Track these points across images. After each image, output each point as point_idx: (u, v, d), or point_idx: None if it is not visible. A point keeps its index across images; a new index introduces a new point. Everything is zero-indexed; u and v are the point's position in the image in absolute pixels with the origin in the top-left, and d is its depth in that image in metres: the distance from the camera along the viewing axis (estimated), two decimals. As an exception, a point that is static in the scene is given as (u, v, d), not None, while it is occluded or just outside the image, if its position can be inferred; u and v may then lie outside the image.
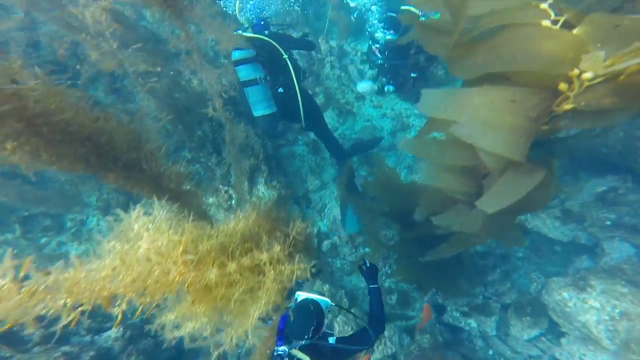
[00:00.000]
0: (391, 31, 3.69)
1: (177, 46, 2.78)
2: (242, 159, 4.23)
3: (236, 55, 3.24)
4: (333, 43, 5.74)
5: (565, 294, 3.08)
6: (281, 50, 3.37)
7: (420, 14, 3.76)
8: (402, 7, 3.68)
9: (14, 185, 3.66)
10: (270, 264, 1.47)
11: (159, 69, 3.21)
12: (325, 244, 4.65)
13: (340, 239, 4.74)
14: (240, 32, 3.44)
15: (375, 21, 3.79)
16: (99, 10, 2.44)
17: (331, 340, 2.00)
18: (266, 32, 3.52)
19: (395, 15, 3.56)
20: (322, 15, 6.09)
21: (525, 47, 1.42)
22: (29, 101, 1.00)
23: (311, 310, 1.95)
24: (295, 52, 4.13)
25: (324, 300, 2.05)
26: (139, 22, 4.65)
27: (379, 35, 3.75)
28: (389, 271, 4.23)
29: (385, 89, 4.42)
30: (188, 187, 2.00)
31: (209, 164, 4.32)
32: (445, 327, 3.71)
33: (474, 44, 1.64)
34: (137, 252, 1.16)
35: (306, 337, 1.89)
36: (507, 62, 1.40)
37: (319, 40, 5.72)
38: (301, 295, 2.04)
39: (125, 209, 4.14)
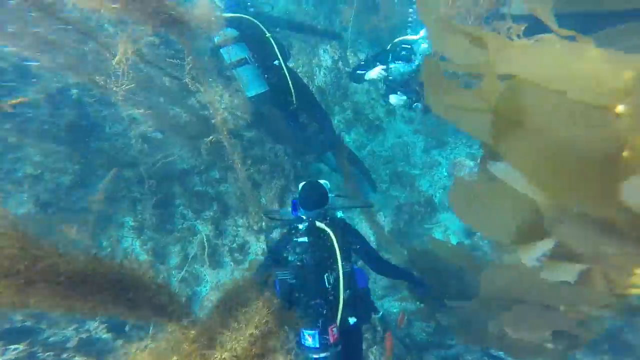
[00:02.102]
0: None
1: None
2: (273, 180, 4.17)
3: (220, 36, 3.17)
4: (361, 55, 5.57)
5: None
6: (264, 28, 3.30)
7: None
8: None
9: (50, 214, 3.77)
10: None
11: (146, 111, 3.19)
12: (355, 266, 4.52)
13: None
14: (220, 13, 3.31)
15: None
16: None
17: (339, 214, 2.45)
18: (248, 11, 3.45)
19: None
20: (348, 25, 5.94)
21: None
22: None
23: (315, 185, 2.36)
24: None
25: (325, 182, 2.46)
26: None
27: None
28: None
29: (414, 106, 4.25)
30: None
31: (239, 184, 4.28)
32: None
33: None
34: None
35: (316, 207, 2.25)
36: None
37: (347, 53, 5.57)
38: (303, 182, 2.44)
39: (159, 230, 4.10)
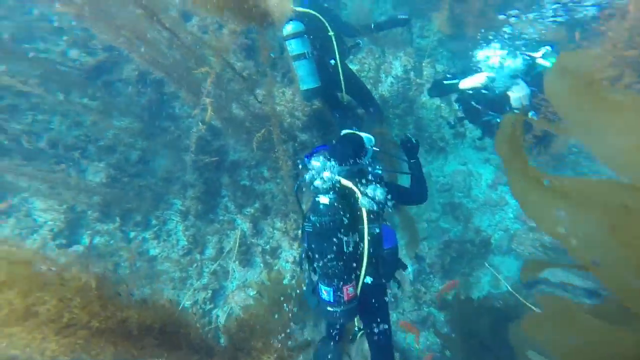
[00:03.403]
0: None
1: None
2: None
3: (287, 29, 3.27)
4: (439, 67, 5.07)
5: None
6: (328, 26, 3.39)
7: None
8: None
9: (124, 179, 4.13)
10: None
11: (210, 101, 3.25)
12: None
13: (404, 292, 4.28)
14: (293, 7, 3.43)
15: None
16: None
17: (378, 170, 2.23)
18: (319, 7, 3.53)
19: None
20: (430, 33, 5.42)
21: None
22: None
23: (352, 137, 2.24)
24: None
25: (367, 136, 2.34)
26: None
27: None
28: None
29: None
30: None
31: (285, 187, 4.25)
32: None
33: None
34: None
35: (346, 160, 2.11)
36: None
37: (422, 63, 5.10)
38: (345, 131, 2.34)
39: (201, 218, 4.24)
